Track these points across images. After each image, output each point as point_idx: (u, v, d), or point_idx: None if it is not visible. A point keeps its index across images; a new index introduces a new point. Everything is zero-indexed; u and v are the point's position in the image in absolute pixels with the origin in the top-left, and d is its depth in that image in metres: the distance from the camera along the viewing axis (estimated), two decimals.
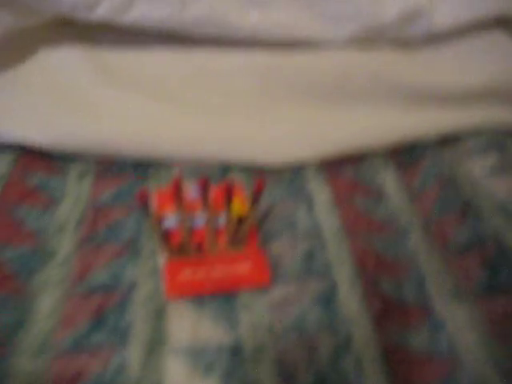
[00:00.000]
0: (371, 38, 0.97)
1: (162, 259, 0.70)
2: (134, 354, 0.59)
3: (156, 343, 0.61)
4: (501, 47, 0.97)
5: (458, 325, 0.62)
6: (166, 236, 0.68)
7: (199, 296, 0.65)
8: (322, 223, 0.78)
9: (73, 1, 0.90)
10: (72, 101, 0.92)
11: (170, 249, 0.69)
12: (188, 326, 0.63)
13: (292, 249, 0.73)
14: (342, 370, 0.53)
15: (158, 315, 0.64)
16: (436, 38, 0.97)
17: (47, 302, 0.65)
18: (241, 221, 0.69)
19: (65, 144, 0.88)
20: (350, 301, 0.65)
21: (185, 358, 0.58)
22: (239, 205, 0.70)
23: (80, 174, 0.86)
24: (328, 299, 0.66)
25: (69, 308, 0.64)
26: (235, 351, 0.60)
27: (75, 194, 0.81)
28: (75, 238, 0.74)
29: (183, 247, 0.69)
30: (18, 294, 0.64)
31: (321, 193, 0.83)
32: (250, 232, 0.73)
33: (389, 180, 0.86)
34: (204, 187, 0.69)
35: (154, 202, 0.70)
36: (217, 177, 0.82)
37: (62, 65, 0.96)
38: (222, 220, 0.73)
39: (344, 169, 0.89)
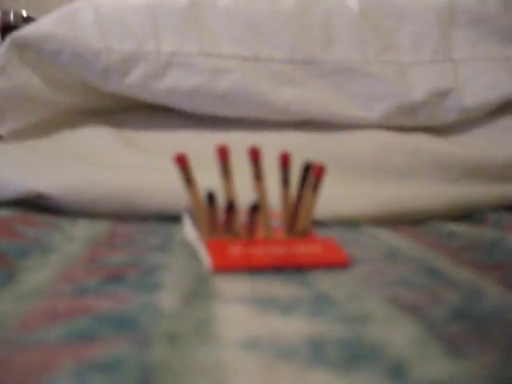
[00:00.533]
0: (405, 117, 0.83)
1: (200, 243, 0.46)
2: (166, 297, 0.33)
3: (199, 292, 0.35)
4: None
5: None
6: (211, 209, 0.45)
7: (253, 271, 0.41)
8: (400, 247, 0.54)
9: (105, 65, 0.76)
10: (92, 160, 0.74)
11: (212, 226, 0.45)
12: (245, 284, 0.38)
13: (367, 252, 0.49)
14: None
15: (200, 280, 0.39)
16: (470, 117, 0.85)
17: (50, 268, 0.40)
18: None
19: (81, 193, 0.67)
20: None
21: (244, 303, 0.33)
22: None
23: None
24: (431, 271, 0.41)
25: (76, 269, 0.39)
26: (322, 297, 0.34)
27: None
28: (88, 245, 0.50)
29: (230, 226, 0.45)
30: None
31: (393, 236, 0.60)
32: (309, 227, 0.49)
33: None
34: (255, 157, 0.47)
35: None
36: None
37: (86, 135, 0.79)
38: (276, 223, 0.50)
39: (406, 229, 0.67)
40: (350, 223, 0.68)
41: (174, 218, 0.65)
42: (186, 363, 0.25)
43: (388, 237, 0.60)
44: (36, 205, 0.69)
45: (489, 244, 0.56)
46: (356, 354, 0.26)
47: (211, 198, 0.45)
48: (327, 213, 0.68)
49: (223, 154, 0.49)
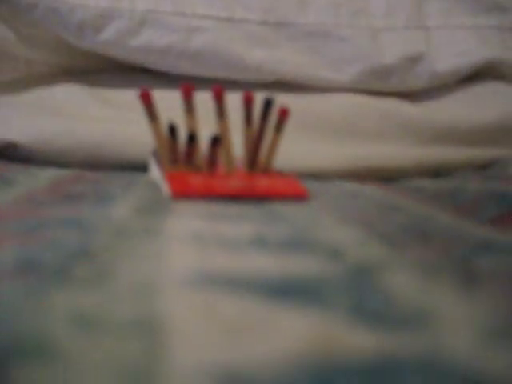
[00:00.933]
0: (377, 81, 0.84)
1: (162, 176, 0.46)
2: (119, 208, 0.33)
3: (153, 208, 0.35)
4: (500, 93, 0.86)
5: None
6: (172, 142, 0.45)
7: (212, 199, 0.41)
8: (364, 191, 0.54)
9: (80, 20, 0.75)
10: (63, 112, 0.74)
11: (174, 160, 0.46)
12: (200, 205, 0.38)
13: (329, 192, 0.50)
14: None
15: (156, 201, 0.39)
16: (441, 84, 0.85)
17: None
18: None
19: (50, 142, 0.67)
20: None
21: (196, 217, 0.33)
22: None
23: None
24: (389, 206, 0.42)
25: (36, 192, 0.39)
26: (274, 213, 0.34)
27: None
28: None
29: (191, 159, 0.46)
30: None
31: (358, 186, 0.61)
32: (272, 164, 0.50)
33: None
34: (219, 95, 0.47)
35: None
36: None
37: (59, 91, 0.79)
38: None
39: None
40: (318, 176, 0.68)
41: (143, 169, 0.65)
42: (128, 249, 0.26)
43: (354, 186, 0.61)
44: (5, 157, 0.69)
45: (451, 191, 0.57)
46: (295, 244, 0.27)
47: (173, 130, 0.46)
48: (294, 166, 0.69)
49: (187, 92, 0.49)
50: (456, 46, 0.87)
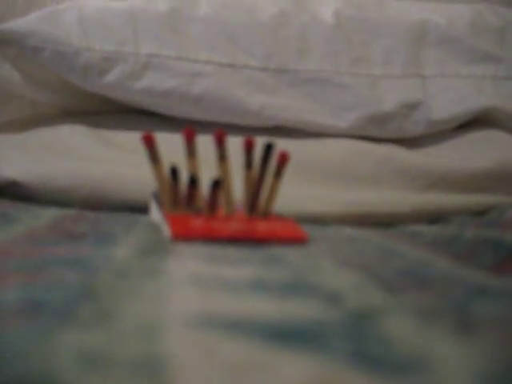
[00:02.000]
0: (374, 127, 0.85)
1: (162, 218, 0.46)
2: (121, 250, 0.34)
3: (154, 249, 0.36)
4: (495, 140, 0.87)
5: None
6: (174, 184, 0.45)
7: (212, 241, 0.41)
8: (361, 235, 0.55)
9: (85, 63, 0.77)
10: (66, 153, 0.75)
11: (175, 202, 0.46)
12: (200, 247, 0.38)
13: (327, 236, 0.50)
14: None
15: (157, 243, 0.39)
16: (437, 130, 0.87)
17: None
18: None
19: (52, 181, 0.68)
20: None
21: (196, 259, 0.34)
22: None
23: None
24: (386, 250, 0.42)
25: (38, 230, 0.39)
26: (274, 257, 0.35)
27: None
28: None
29: (192, 202, 0.46)
30: None
31: (355, 230, 0.61)
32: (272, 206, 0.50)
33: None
34: (220, 139, 0.48)
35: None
36: None
37: (62, 131, 0.80)
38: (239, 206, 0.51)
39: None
40: (316, 221, 0.69)
41: (143, 210, 0.66)
42: (131, 290, 0.26)
43: (352, 230, 0.61)
44: (8, 196, 0.69)
45: (447, 238, 0.57)
46: (295, 288, 0.27)
47: (174, 172, 0.46)
48: (293, 210, 0.69)
49: (189, 136, 0.50)
50: (452, 94, 0.89)
